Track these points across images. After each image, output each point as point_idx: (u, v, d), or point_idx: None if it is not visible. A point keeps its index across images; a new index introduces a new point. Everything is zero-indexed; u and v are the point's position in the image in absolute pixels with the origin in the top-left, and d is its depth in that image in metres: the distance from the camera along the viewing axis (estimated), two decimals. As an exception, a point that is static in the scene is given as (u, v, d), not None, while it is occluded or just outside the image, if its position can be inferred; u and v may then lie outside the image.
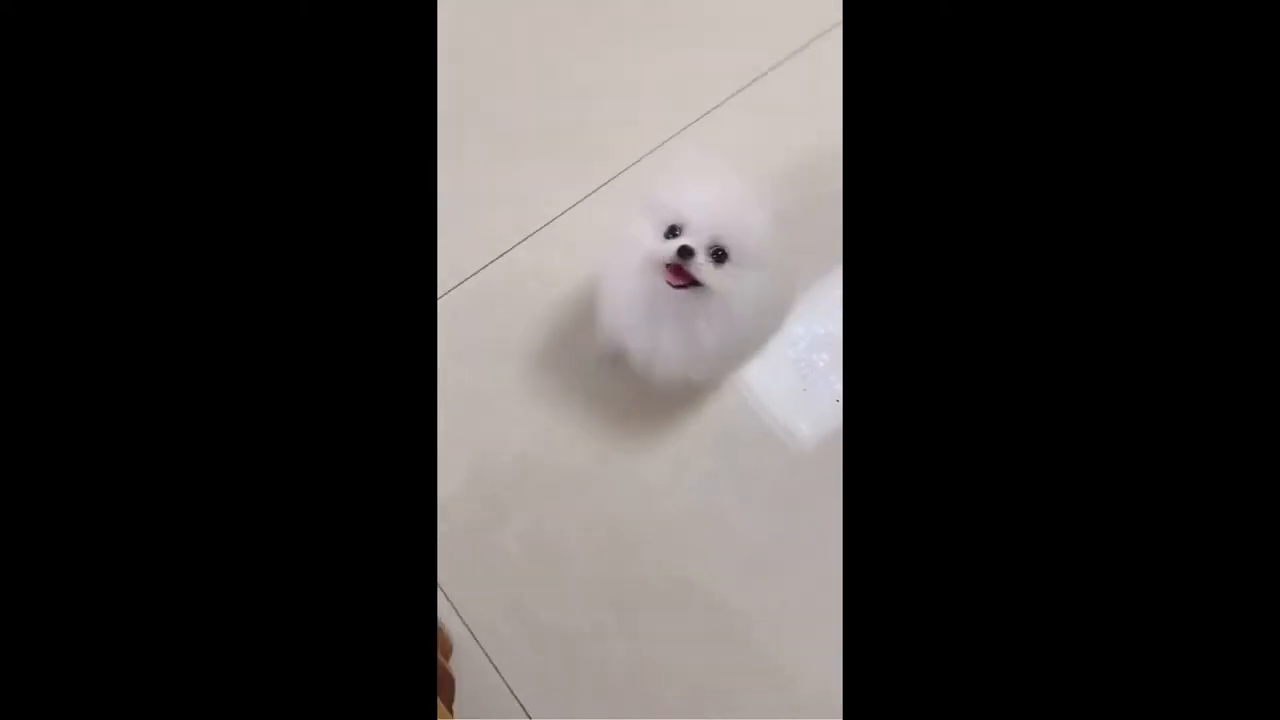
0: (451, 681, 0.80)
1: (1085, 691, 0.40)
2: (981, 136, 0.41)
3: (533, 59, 1.14)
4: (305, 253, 0.41)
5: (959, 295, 0.42)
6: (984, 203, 0.42)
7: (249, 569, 0.40)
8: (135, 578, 0.40)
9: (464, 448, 0.93)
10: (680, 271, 0.75)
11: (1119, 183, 0.40)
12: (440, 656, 0.81)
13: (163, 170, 0.41)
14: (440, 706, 0.71)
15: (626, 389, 0.95)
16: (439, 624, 0.86)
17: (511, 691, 0.85)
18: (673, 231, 0.77)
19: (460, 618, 0.88)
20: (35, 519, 0.39)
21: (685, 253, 0.74)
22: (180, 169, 0.41)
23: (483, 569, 0.89)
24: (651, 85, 1.12)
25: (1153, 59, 0.40)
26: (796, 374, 1.00)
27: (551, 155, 1.08)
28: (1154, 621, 0.40)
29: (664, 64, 1.13)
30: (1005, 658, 0.41)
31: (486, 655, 0.86)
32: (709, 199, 0.78)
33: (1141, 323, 0.40)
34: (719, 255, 0.76)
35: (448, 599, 0.88)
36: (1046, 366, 0.41)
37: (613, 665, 0.87)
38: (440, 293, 1.01)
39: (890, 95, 0.42)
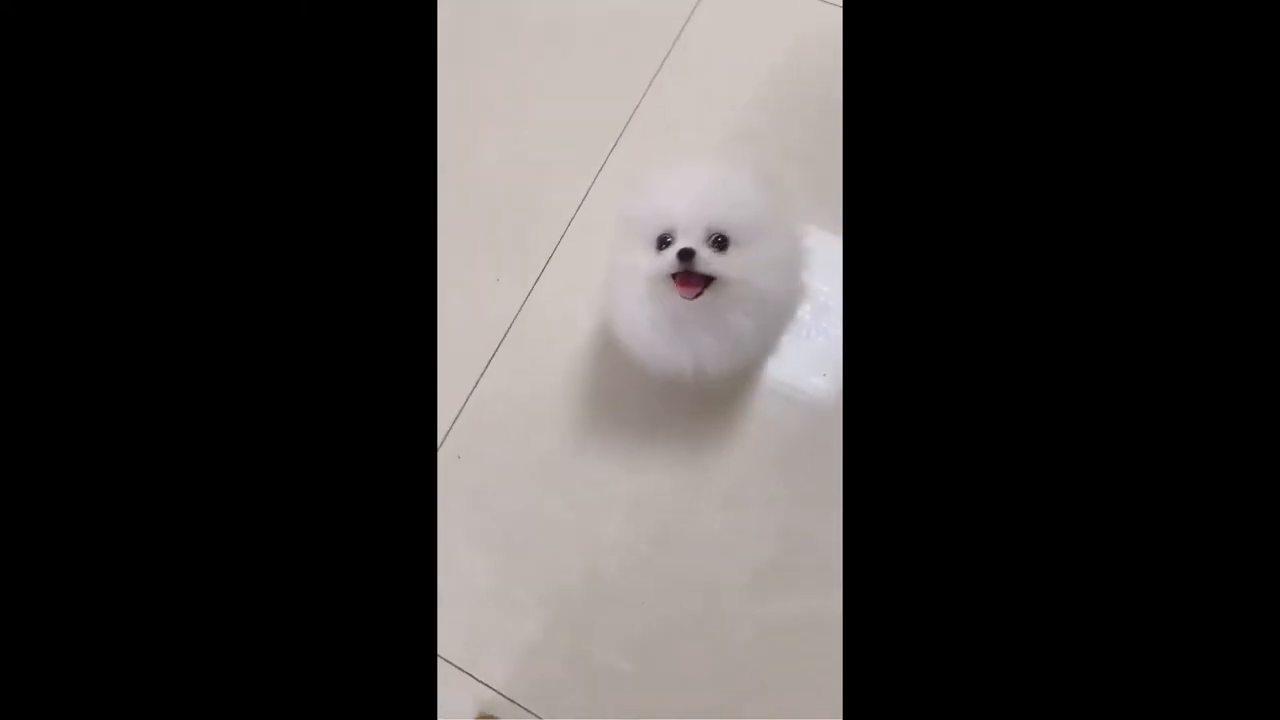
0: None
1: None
2: (980, 121, 0.41)
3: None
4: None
5: (958, 268, 0.42)
6: (980, 184, 0.42)
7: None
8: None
9: (525, 586, 0.92)
10: (689, 279, 0.71)
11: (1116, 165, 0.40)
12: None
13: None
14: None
15: (650, 461, 0.95)
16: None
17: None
18: (664, 241, 0.73)
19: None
20: (30, 520, 0.39)
21: (686, 255, 0.69)
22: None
23: (593, 697, 0.88)
24: (549, 141, 1.11)
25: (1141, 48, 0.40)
26: (791, 336, 0.99)
27: (484, 256, 1.07)
28: (1161, 607, 0.39)
29: (552, 116, 1.12)
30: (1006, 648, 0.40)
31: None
32: (685, 192, 0.74)
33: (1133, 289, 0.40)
34: (720, 243, 0.72)
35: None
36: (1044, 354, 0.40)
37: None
38: (440, 441, 1.01)
39: (889, 77, 0.43)
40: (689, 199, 0.73)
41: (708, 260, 0.70)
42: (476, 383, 1.00)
